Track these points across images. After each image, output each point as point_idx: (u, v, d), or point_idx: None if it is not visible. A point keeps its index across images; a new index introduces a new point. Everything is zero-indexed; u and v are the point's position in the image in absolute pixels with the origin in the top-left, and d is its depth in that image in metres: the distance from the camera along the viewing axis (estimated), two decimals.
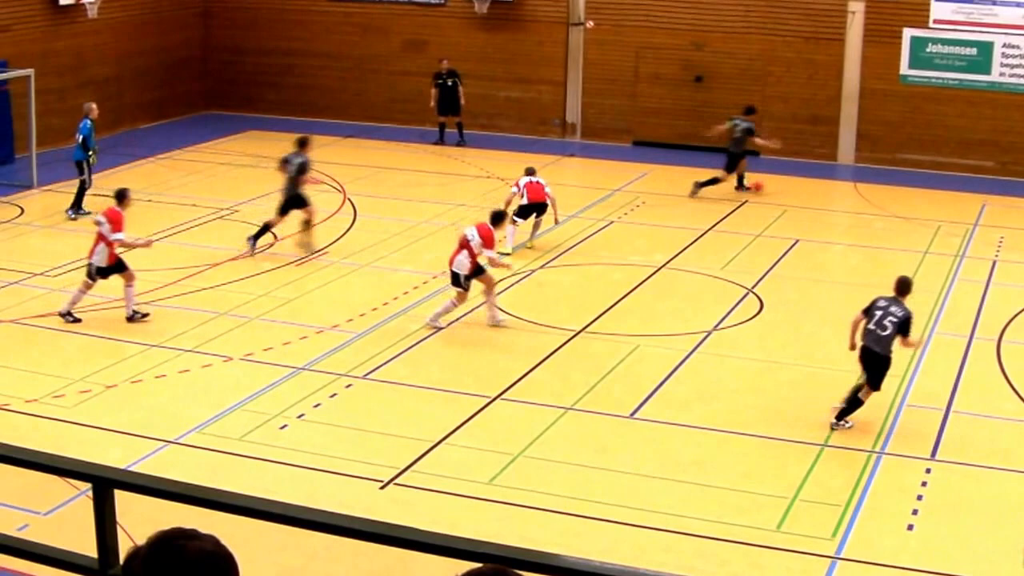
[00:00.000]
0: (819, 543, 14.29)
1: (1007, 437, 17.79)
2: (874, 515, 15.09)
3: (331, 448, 16.59)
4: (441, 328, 21.19)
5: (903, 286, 18.06)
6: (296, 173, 25.35)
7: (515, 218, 25.69)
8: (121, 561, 4.45)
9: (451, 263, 21.44)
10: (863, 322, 17.73)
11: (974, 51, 34.97)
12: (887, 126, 35.28)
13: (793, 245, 26.80)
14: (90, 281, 21.03)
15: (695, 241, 26.79)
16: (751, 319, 22.22)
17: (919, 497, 15.64)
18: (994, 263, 26.28)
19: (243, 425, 17.19)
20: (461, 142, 36.03)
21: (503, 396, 18.37)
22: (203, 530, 3.99)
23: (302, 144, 25.97)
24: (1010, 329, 22.11)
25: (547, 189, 26.14)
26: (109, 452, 15.90)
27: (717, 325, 21.82)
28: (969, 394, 19.11)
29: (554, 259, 25.35)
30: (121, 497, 5.21)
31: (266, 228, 25.24)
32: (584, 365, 19.86)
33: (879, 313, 17.61)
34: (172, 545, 3.93)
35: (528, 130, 37.62)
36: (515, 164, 32.79)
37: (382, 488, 15.42)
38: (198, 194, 29.46)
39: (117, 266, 21.06)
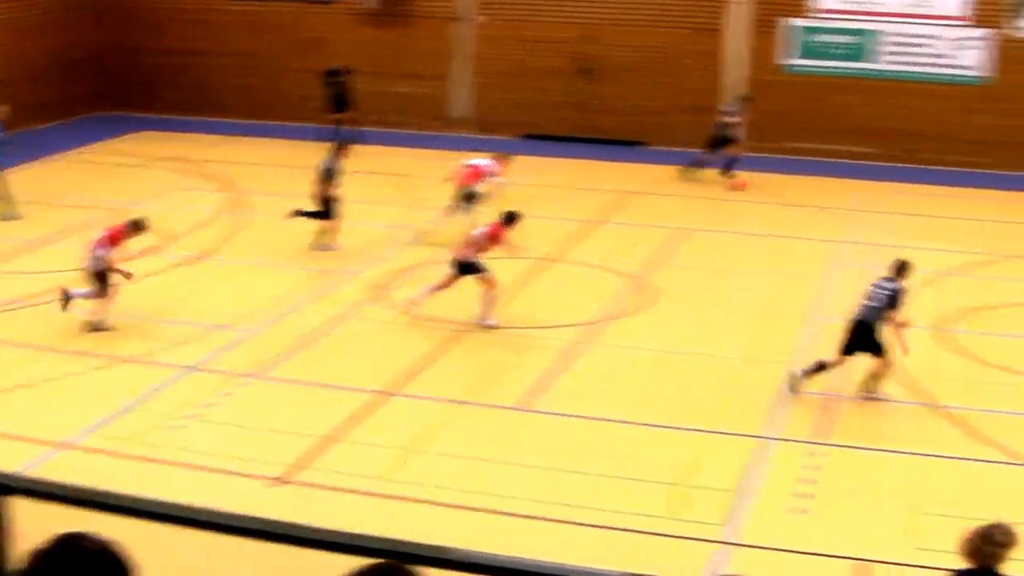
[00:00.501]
0: (709, 529, 14.53)
1: (895, 420, 18.15)
2: (764, 500, 15.35)
3: (226, 447, 16.58)
4: (495, 326, 21.31)
5: (899, 267, 18.83)
6: (325, 176, 25.54)
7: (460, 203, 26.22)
8: (19, 565, 4.53)
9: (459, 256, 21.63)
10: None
11: (857, 39, 35.49)
12: (774, 115, 35.69)
13: (687, 235, 27.09)
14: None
15: (591, 233, 26.99)
16: (648, 309, 22.45)
17: (808, 481, 15.92)
18: (879, 248, 26.73)
19: (136, 426, 17.11)
20: (353, 139, 36.02)
21: (398, 392, 18.45)
22: (99, 534, 4.07)
23: (340, 148, 26.33)
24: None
25: (493, 178, 26.48)
26: None
27: (614, 316, 22.04)
28: (857, 378, 19.43)
29: (447, 253, 25.46)
30: (14, 503, 5.27)
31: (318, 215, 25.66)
32: (479, 358, 20.01)
33: (873, 289, 18.53)
34: (69, 547, 4.00)
35: (420, 125, 37.67)
36: (406, 160, 32.97)
37: (277, 486, 15.43)
38: (92, 195, 29.28)
39: (101, 275, 20.72)
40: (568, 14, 36.87)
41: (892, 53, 35.62)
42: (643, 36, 36.38)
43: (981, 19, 35.29)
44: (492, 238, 21.68)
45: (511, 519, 14.72)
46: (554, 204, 29.48)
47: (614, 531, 14.43)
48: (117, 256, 20.75)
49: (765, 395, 18.61)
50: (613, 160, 33.74)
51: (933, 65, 35.61)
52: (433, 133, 37.22)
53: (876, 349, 18.42)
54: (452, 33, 37.78)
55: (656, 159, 34.51)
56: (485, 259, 21.43)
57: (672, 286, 23.79)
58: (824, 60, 35.86)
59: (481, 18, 37.39)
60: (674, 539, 14.31)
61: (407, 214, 26.92)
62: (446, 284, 21.51)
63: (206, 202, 28.91)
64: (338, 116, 35.96)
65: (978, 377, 19.86)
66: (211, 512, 5.43)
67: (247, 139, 36.40)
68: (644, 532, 14.40)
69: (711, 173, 31.97)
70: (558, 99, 37.09)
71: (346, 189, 26.86)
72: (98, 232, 20.96)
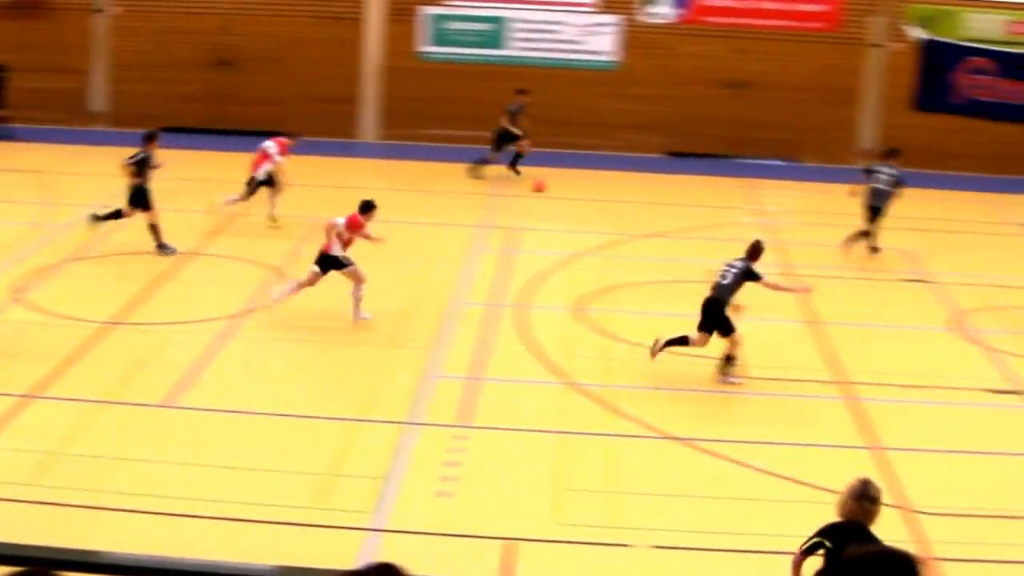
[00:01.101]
0: (359, 517, 14.76)
1: (536, 400, 18.70)
2: (411, 485, 15.66)
3: None
4: (367, 318, 21.33)
5: (752, 250, 19.79)
6: (138, 168, 24.94)
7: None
8: None
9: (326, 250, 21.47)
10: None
11: (490, 26, 36.21)
12: (409, 102, 36.23)
13: (320, 223, 27.24)
14: None
15: (230, 226, 26.92)
16: (291, 300, 22.51)
17: (454, 464, 16.31)
18: (519, 231, 27.46)
19: None
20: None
21: (42, 394, 18.08)
22: None
23: (148, 139, 25.45)
24: (535, 295, 23.18)
25: (276, 158, 27.20)
26: None
27: (251, 308, 22.05)
28: (499, 360, 19.99)
29: (86, 251, 25.08)
30: None
31: (117, 215, 25.14)
32: (123, 357, 19.78)
33: (723, 267, 19.57)
34: None
35: (59, 120, 36.78)
36: (45, 156, 32.25)
37: None
38: None
39: None
40: (205, 4, 36.63)
41: (524, 40, 36.46)
42: (282, 26, 36.40)
43: (609, 5, 36.44)
44: (352, 228, 21.55)
45: (161, 518, 14.59)
46: (192, 198, 29.26)
47: (265, 524, 14.49)
48: None
49: (409, 381, 18.95)
50: (251, 151, 33.66)
51: (564, 51, 36.61)
52: (72, 128, 36.50)
53: (724, 329, 19.29)
54: (90, 25, 37.13)
55: (296, 150, 34.59)
56: (349, 253, 21.51)
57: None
58: (458, 47, 36.50)
59: (117, 9, 36.82)
60: (325, 529, 14.47)
61: (46, 212, 26.37)
62: (311, 281, 21.54)
63: None
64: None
65: (613, 354, 20.62)
66: None
67: None
68: (295, 524, 14.49)
69: (496, 170, 32.34)
70: (195, 91, 36.82)
71: None
72: None
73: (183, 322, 21.25)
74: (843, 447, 17.45)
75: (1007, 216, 32.03)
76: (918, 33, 36.07)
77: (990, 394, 19.72)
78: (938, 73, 35.84)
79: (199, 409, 17.83)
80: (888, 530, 14.57)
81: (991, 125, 36.10)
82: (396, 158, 34.40)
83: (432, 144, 35.66)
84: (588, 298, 23.20)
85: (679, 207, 31.05)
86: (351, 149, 35.86)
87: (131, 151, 25.15)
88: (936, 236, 28.92)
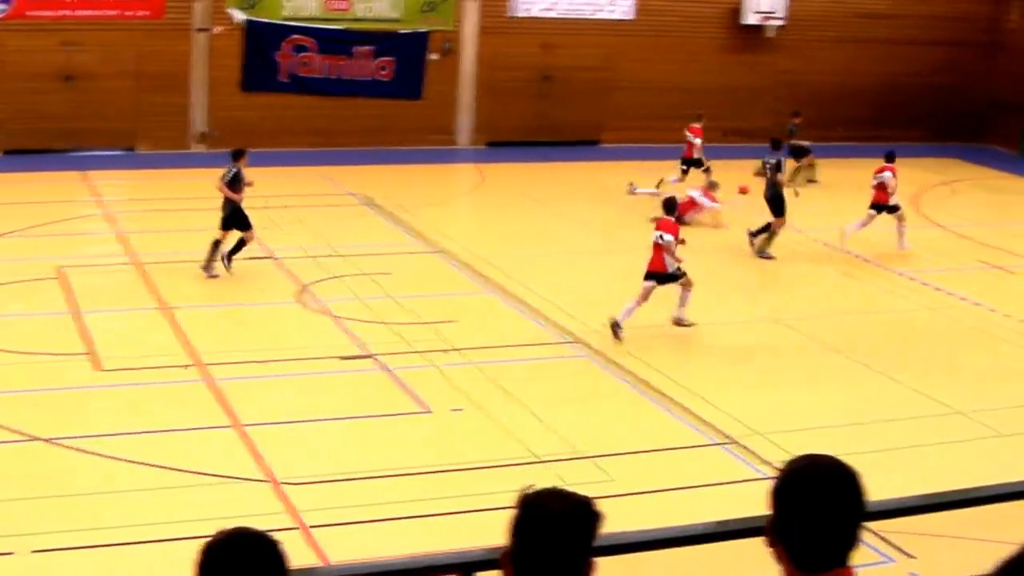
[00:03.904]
0: None
1: None
2: None
3: None
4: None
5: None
6: (229, 186, 23.96)
7: None
8: None
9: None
10: None
11: None
12: None
13: None
14: None
15: None
16: None
17: None
18: None
19: None
20: None
21: None
22: None
23: (236, 156, 24.03)
24: None
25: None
26: None
27: None
28: None
29: None
30: None
31: (216, 244, 24.80)
32: None
33: None
34: None
35: None
36: None
37: None
38: None
39: None
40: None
41: None
42: None
43: None
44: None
45: None
46: None
47: None
48: None
49: None
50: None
51: None
52: None
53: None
54: None
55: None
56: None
57: None
58: None
59: None
60: None
61: None
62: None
63: None
64: None
65: None
66: None
67: None
68: None
69: None
70: None
71: None
72: None
73: None
74: (206, 428, 17.94)
75: (340, 187, 33.54)
76: (240, 15, 37.10)
77: (341, 360, 20.85)
78: (262, 53, 37.04)
79: None
80: (258, 505, 15.44)
81: (318, 100, 37.65)
82: None
83: None
84: None
85: (20, 205, 30.50)
86: None
87: None
88: (275, 212, 29.35)
